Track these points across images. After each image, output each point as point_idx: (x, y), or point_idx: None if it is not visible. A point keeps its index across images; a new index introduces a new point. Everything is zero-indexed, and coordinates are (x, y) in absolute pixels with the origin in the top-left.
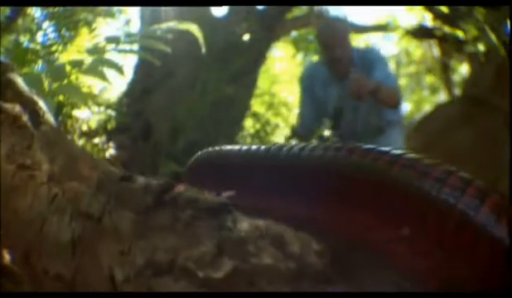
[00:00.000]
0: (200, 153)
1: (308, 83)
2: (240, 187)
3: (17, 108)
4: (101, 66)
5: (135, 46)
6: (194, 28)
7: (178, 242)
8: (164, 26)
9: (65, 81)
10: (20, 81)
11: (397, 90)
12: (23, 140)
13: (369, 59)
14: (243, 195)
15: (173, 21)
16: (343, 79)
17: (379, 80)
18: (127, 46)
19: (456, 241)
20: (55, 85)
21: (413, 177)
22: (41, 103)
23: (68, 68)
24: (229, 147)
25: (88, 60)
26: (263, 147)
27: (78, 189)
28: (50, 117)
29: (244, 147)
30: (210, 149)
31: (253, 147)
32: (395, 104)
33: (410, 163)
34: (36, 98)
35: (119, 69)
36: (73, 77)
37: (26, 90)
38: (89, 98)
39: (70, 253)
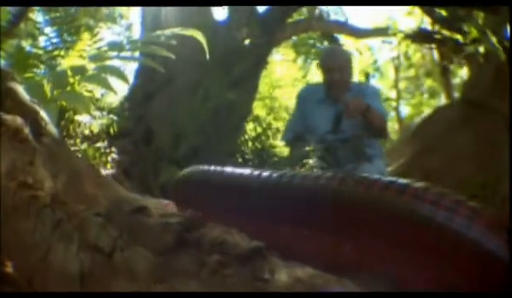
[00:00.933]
0: (186, 171)
1: (302, 99)
2: (220, 209)
3: (18, 120)
4: (104, 74)
5: (137, 53)
6: (198, 34)
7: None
8: (168, 31)
9: (68, 88)
10: (21, 90)
11: (384, 117)
12: (24, 155)
13: (366, 92)
14: (222, 217)
15: (176, 27)
16: (337, 101)
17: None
18: (129, 53)
19: (467, 269)
20: (57, 92)
21: (424, 206)
22: (43, 113)
23: (70, 74)
24: (213, 168)
25: (90, 66)
26: (248, 171)
27: (84, 217)
28: (52, 128)
29: (235, 170)
30: (196, 168)
31: (241, 171)
32: (381, 128)
33: (419, 193)
34: (37, 107)
35: (123, 77)
36: (75, 83)
37: (26, 99)
38: (90, 105)
39: (79, 287)
